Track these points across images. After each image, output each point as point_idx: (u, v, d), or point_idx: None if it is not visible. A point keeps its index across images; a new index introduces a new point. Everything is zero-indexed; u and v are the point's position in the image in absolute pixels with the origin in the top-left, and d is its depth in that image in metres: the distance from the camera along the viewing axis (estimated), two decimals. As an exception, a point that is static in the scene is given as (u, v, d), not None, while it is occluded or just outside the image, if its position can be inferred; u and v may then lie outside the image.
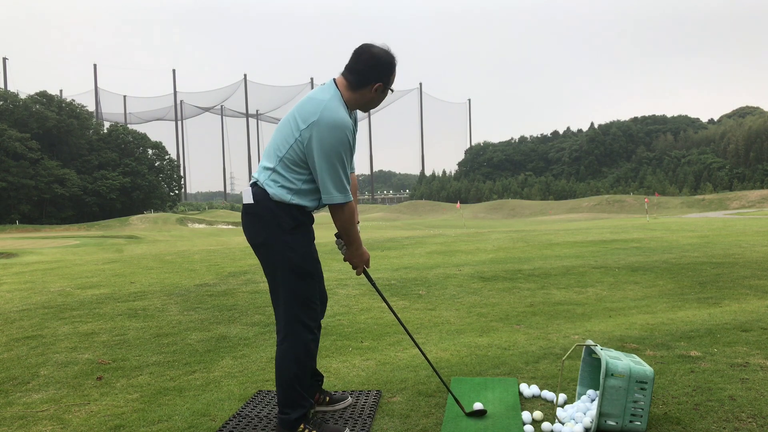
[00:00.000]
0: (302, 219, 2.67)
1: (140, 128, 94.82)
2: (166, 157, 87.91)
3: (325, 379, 3.17)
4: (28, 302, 6.82)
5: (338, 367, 3.81)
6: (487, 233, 20.34)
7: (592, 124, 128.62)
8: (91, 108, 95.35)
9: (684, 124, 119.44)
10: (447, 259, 10.36)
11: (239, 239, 24.85)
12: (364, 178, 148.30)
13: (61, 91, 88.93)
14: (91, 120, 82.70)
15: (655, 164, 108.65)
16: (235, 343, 4.56)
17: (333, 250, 11.12)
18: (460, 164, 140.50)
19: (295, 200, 2.61)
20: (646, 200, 52.12)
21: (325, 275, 3.12)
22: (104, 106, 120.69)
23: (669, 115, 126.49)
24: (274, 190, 2.60)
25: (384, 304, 3.98)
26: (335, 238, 2.82)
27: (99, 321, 5.56)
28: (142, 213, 72.32)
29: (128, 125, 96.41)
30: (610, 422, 2.63)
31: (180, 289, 7.45)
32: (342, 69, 2.67)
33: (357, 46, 2.64)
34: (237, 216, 71.69)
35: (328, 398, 3.06)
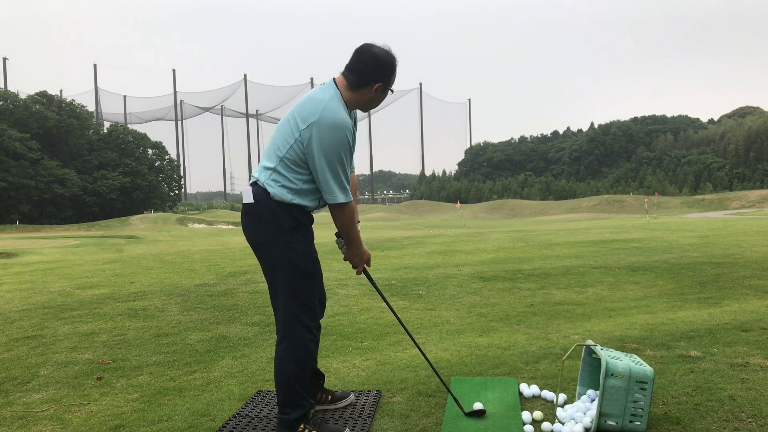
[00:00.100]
0: (302, 219, 2.67)
1: (140, 128, 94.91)
2: (166, 157, 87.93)
3: (325, 379, 3.16)
4: (28, 302, 6.82)
5: (338, 367, 3.81)
6: (487, 233, 20.34)
7: (592, 124, 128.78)
8: (91, 108, 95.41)
9: (684, 124, 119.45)
10: (447, 259, 10.36)
11: (239, 239, 24.84)
12: (364, 178, 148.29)
13: (61, 91, 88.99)
14: (91, 120, 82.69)
15: (655, 164, 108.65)
16: (235, 343, 4.56)
17: (333, 250, 11.12)
18: (460, 164, 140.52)
19: (296, 200, 2.61)
20: (645, 200, 52.14)
21: (325, 275, 3.13)
22: (104, 106, 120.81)
23: (669, 115, 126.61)
24: (275, 190, 2.59)
25: (384, 304, 3.98)
26: (336, 238, 2.82)
27: (99, 321, 5.56)
28: (142, 213, 72.31)
29: (128, 125, 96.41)
30: (610, 422, 2.63)
31: (180, 289, 7.45)
32: (342, 69, 2.67)
33: (358, 46, 2.64)
34: (237, 216, 71.68)
35: (330, 397, 3.06)
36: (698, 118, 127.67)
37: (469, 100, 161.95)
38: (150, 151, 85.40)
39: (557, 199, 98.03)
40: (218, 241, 25.13)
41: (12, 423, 3.03)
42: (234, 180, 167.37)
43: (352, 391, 3.27)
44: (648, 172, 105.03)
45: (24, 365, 4.11)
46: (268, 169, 2.63)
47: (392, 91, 2.77)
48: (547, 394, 3.11)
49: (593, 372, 3.00)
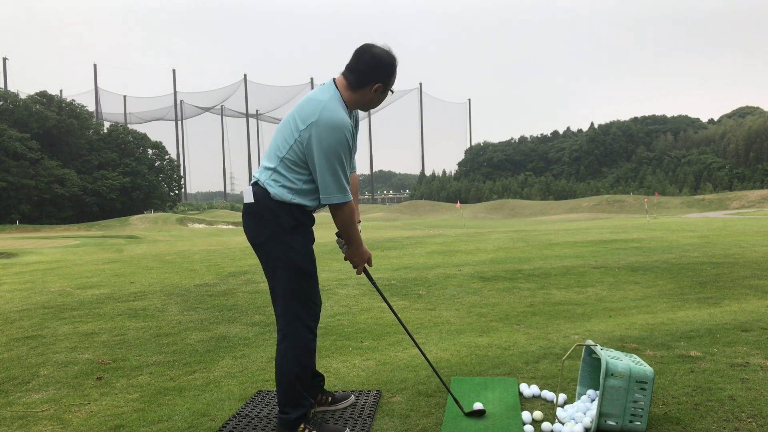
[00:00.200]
0: (303, 219, 2.67)
1: (140, 128, 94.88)
2: (166, 157, 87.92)
3: (325, 380, 3.16)
4: (28, 302, 6.82)
5: (338, 367, 3.81)
6: (487, 233, 20.34)
7: (592, 124, 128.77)
8: (91, 108, 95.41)
9: (684, 124, 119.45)
10: (447, 259, 10.36)
11: (239, 239, 24.84)
12: (364, 178, 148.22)
13: (61, 91, 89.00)
14: (91, 120, 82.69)
15: (655, 164, 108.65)
16: (235, 343, 4.56)
17: (332, 250, 11.13)
18: (460, 164, 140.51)
19: (296, 200, 2.62)
20: (645, 200, 52.12)
21: (325, 275, 3.13)
22: (104, 106, 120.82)
23: (669, 115, 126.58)
24: (275, 190, 2.60)
25: (384, 304, 3.98)
26: (336, 238, 2.82)
27: (99, 321, 5.56)
28: (142, 213, 72.31)
29: (128, 125, 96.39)
30: (610, 422, 2.63)
31: (180, 289, 7.45)
32: (342, 69, 2.67)
33: (358, 46, 2.64)
34: (237, 216, 71.71)
35: (330, 398, 3.06)
36: (698, 118, 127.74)
37: (469, 100, 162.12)
38: (150, 151, 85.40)
39: (557, 199, 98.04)
40: (218, 241, 25.13)
41: (12, 423, 3.03)
42: (234, 180, 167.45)
43: (352, 391, 3.27)
44: (648, 172, 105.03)
45: (24, 365, 4.11)
46: (269, 169, 2.64)
47: (392, 92, 2.77)
48: (547, 394, 3.11)
49: (593, 372, 3.00)
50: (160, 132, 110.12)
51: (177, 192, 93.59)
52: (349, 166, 2.65)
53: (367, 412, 2.96)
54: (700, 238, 13.17)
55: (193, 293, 7.10)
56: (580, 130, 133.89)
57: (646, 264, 8.54)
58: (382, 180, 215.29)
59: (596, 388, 2.94)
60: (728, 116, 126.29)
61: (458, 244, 14.26)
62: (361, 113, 2.84)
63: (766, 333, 4.22)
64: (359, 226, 2.86)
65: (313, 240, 2.78)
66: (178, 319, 5.55)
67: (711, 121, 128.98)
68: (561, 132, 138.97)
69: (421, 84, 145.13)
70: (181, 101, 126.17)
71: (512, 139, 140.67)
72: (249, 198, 2.66)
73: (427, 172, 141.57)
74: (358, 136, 2.86)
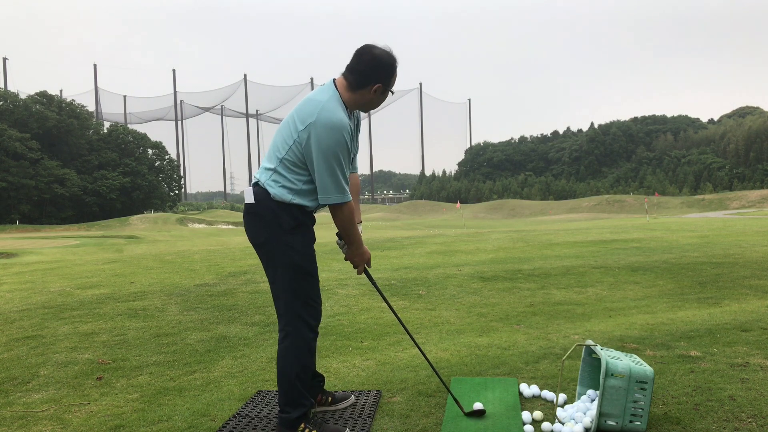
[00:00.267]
0: (303, 219, 2.68)
1: (140, 128, 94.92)
2: (166, 157, 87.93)
3: (325, 380, 3.17)
4: (28, 302, 6.82)
5: (338, 367, 3.81)
6: (487, 233, 20.35)
7: (592, 124, 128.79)
8: (91, 108, 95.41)
9: (684, 124, 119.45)
10: (447, 259, 10.36)
11: (239, 239, 24.85)
12: (364, 178, 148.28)
13: (61, 91, 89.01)
14: (91, 120, 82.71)
15: (655, 164, 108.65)
16: (235, 343, 4.56)
17: (333, 250, 11.13)
18: (460, 164, 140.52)
19: (296, 200, 2.62)
20: (645, 200, 52.12)
21: (325, 275, 3.14)
22: (104, 106, 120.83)
23: (669, 115, 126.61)
24: (275, 190, 2.61)
25: (384, 304, 3.98)
26: (336, 238, 2.83)
27: (99, 321, 5.56)
28: (142, 213, 72.32)
29: (128, 125, 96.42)
30: (610, 422, 2.63)
31: (180, 289, 7.45)
32: (343, 69, 2.68)
33: (359, 47, 2.64)
34: (237, 216, 71.73)
35: (330, 398, 3.07)
36: (698, 118, 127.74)
37: (469, 100, 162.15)
38: (150, 151, 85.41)
39: (557, 199, 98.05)
40: (218, 241, 25.14)
41: (12, 423, 3.03)
42: (234, 180, 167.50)
43: (352, 391, 3.27)
44: (648, 172, 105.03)
45: (24, 365, 4.11)
46: (269, 169, 2.66)
47: (392, 93, 2.77)
48: (547, 394, 3.11)
49: (593, 372, 3.00)
50: (160, 132, 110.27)
51: (177, 192, 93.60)
52: (349, 167, 2.65)
53: (367, 412, 2.96)
54: (700, 238, 13.17)
55: (193, 293, 7.10)
56: (580, 130, 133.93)
57: (646, 264, 8.54)
58: (382, 180, 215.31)
59: (596, 388, 2.94)
60: (728, 116, 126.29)
61: (458, 244, 14.26)
62: (362, 113, 2.85)
63: (766, 333, 4.22)
64: (360, 227, 2.87)
65: (313, 240, 2.79)
66: (178, 319, 5.55)
67: (711, 121, 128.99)
68: (561, 132, 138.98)
69: (421, 84, 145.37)
70: (181, 101, 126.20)
71: (512, 139, 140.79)
72: (249, 198, 2.68)
73: (427, 172, 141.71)
74: (359, 136, 2.86)
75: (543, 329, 4.68)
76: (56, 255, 19.81)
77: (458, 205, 45.68)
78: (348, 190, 2.62)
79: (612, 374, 2.61)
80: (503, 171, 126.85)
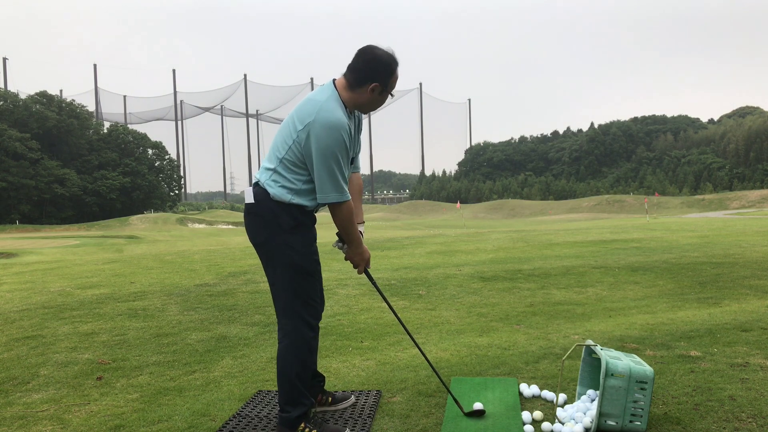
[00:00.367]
0: (302, 219, 2.68)
1: (140, 128, 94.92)
2: (166, 157, 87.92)
3: (325, 380, 3.16)
4: (28, 302, 6.82)
5: (338, 367, 3.81)
6: (487, 233, 20.35)
7: (592, 124, 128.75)
8: (91, 108, 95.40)
9: (684, 124, 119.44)
10: (447, 259, 10.36)
11: (239, 239, 24.86)
12: (365, 178, 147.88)
13: (61, 91, 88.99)
14: (91, 120, 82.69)
15: (655, 164, 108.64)
16: (235, 343, 4.56)
17: (333, 250, 11.13)
18: (460, 164, 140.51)
19: (296, 200, 2.63)
20: (645, 200, 52.11)
21: (325, 275, 3.14)
22: (104, 106, 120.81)
23: (669, 115, 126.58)
24: (275, 190, 2.62)
25: (384, 304, 3.98)
26: (336, 239, 2.83)
27: (99, 321, 5.56)
28: (142, 213, 72.31)
29: (128, 125, 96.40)
30: (610, 422, 2.63)
31: (180, 289, 7.45)
32: (343, 69, 2.69)
33: (362, 46, 2.65)
34: (237, 216, 71.73)
35: (330, 398, 3.07)
36: (698, 118, 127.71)
37: (469, 100, 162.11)
38: (150, 151, 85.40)
39: (557, 199, 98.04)
40: (218, 241, 25.13)
41: (12, 423, 3.03)
42: (234, 180, 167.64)
43: (352, 391, 3.27)
44: (648, 172, 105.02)
45: (24, 365, 4.11)
46: (269, 170, 2.67)
47: (392, 96, 2.77)
48: (547, 394, 3.11)
49: (593, 372, 3.00)
50: (160, 132, 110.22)
51: (177, 192, 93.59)
52: (348, 166, 2.66)
53: (367, 412, 2.96)
54: (700, 238, 13.17)
55: (193, 293, 7.10)
56: (580, 130, 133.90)
57: (646, 264, 8.54)
58: (382, 180, 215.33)
59: (596, 388, 2.94)
60: (728, 116, 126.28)
61: (458, 244, 14.26)
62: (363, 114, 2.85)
63: (766, 333, 4.22)
64: (362, 227, 2.87)
65: (314, 239, 2.79)
66: (178, 319, 5.55)
67: (711, 121, 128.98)
68: (561, 132, 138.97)
69: (421, 84, 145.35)
70: (181, 101, 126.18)
71: (512, 139, 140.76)
72: (249, 198, 2.69)
73: (427, 172, 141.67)
74: (360, 136, 2.86)
75: (543, 329, 4.68)
76: (56, 255, 19.81)
77: (458, 205, 45.68)
78: (347, 189, 2.62)
79: (612, 374, 2.61)
80: (503, 171, 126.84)
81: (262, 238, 2.68)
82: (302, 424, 2.67)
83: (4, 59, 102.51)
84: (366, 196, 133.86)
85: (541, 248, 11.87)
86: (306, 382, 2.72)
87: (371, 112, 2.80)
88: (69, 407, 3.23)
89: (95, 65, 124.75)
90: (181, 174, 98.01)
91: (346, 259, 2.85)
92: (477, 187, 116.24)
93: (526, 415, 2.84)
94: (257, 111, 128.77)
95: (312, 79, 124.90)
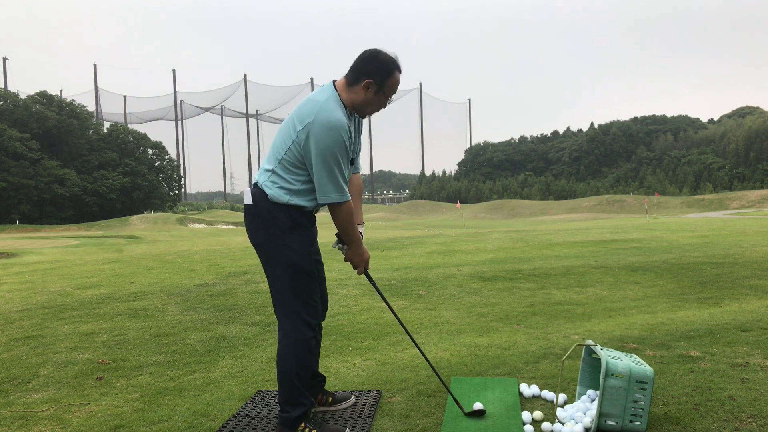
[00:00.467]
0: (300, 219, 2.69)
1: (140, 128, 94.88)
2: (166, 157, 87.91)
3: (326, 380, 3.16)
4: (28, 302, 6.82)
5: (338, 367, 3.81)
6: (487, 233, 20.35)
7: (592, 124, 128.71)
8: (91, 108, 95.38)
9: (684, 124, 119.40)
10: (447, 259, 10.36)
11: (239, 239, 24.86)
12: (365, 178, 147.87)
13: (61, 91, 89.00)
14: (91, 120, 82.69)
15: (655, 164, 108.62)
16: (235, 343, 4.56)
17: (333, 250, 11.13)
18: (460, 164, 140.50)
19: (294, 201, 2.64)
20: (645, 200, 52.11)
21: (326, 275, 3.13)
22: (104, 106, 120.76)
23: (669, 115, 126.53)
24: (273, 191, 2.63)
25: (384, 304, 3.98)
26: (335, 239, 2.83)
27: (99, 321, 5.56)
28: (142, 213, 72.29)
29: (128, 125, 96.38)
30: (610, 422, 2.63)
31: (180, 289, 7.45)
32: (344, 70, 2.71)
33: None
34: (237, 216, 71.72)
35: (330, 399, 3.07)
36: (698, 118, 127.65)
37: (469, 100, 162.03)
38: (150, 151, 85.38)
39: (557, 199, 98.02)
40: (218, 241, 25.13)
41: (12, 423, 3.03)
42: (234, 180, 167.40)
43: (352, 391, 3.27)
44: (648, 172, 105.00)
45: (24, 365, 4.11)
46: (267, 171, 2.68)
47: (391, 100, 2.76)
48: (547, 394, 3.11)
49: (593, 372, 3.00)
50: (160, 132, 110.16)
51: (177, 192, 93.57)
52: (348, 166, 2.66)
53: (367, 412, 2.96)
54: (700, 238, 13.17)
55: (193, 293, 7.10)
56: (580, 130, 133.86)
57: (646, 264, 8.54)
58: (382, 180, 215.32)
59: (596, 388, 2.94)
60: (728, 116, 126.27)
61: (458, 244, 14.26)
62: None
63: (766, 333, 4.22)
64: (362, 228, 2.88)
65: (313, 239, 2.80)
66: (178, 319, 5.55)
67: (711, 121, 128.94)
68: (561, 132, 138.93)
69: (421, 84, 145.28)
70: (181, 101, 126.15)
71: (512, 139, 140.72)
72: (248, 199, 2.71)
73: (427, 172, 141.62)
74: (361, 136, 2.86)
75: (543, 329, 4.68)
76: (56, 255, 19.81)
77: (458, 205, 45.68)
78: (347, 189, 2.62)
79: (612, 374, 2.61)
80: (503, 171, 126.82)
81: (261, 238, 2.69)
82: (302, 424, 2.67)
83: (4, 59, 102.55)
84: (366, 196, 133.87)
85: (541, 248, 11.87)
86: (306, 381, 2.72)
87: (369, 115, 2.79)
88: (69, 407, 3.23)
89: (95, 65, 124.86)
90: (181, 174, 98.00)
91: (345, 260, 2.85)
92: (477, 187, 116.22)
93: (526, 415, 2.84)
94: (257, 111, 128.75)
95: (312, 79, 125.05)
